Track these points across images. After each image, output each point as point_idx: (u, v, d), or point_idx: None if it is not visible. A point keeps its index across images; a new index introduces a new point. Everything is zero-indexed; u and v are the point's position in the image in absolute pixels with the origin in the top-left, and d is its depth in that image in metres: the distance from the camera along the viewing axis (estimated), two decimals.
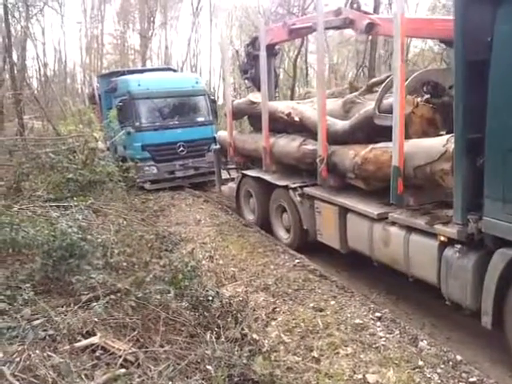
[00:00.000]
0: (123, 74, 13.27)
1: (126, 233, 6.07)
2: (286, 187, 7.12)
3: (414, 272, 4.89)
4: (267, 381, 3.46)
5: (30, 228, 4.86)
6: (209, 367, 3.36)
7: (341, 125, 6.28)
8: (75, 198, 6.70)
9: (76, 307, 3.73)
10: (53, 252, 4.29)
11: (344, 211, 5.95)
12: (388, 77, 5.74)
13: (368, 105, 5.93)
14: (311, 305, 5.02)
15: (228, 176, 9.94)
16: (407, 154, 4.91)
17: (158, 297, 3.95)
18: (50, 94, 23.20)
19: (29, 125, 14.77)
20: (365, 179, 5.81)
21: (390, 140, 5.06)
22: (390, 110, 5.10)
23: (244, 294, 5.31)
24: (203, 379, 3.26)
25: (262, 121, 7.70)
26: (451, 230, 4.31)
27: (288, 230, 7.38)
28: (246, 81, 9.58)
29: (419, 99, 5.28)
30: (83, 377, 2.99)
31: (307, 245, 6.88)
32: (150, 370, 3.19)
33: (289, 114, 7.25)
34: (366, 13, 6.87)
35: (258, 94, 8.28)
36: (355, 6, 6.76)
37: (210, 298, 4.38)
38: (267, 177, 7.74)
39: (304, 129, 7.10)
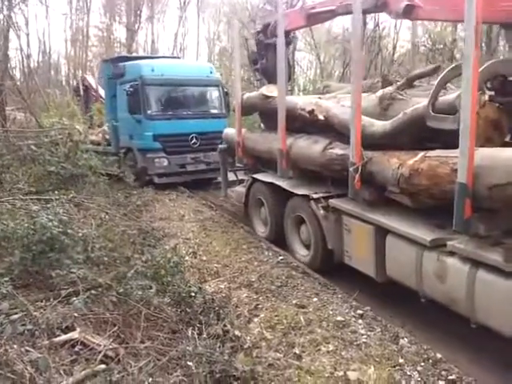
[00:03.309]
0: (128, 59, 12.49)
1: (107, 227, 6.02)
2: (306, 197, 6.07)
3: (481, 318, 3.87)
4: (248, 377, 3.45)
5: (10, 221, 4.77)
6: (190, 363, 3.34)
7: (380, 125, 5.19)
8: (56, 192, 6.61)
9: (55, 302, 3.67)
10: (32, 245, 4.21)
11: (382, 232, 4.88)
12: (436, 68, 5.03)
13: (413, 102, 4.98)
14: (294, 301, 5.03)
15: (235, 178, 9.03)
16: (478, 167, 3.82)
17: (140, 292, 3.90)
18: (33, 85, 22.81)
19: (11, 116, 14.50)
20: (413, 195, 4.65)
21: (445, 147, 4.22)
22: (446, 110, 4.26)
23: (227, 290, 5.31)
24: (184, 375, 3.24)
25: (278, 118, 6.65)
26: None
27: (307, 247, 6.29)
28: (256, 72, 8.83)
29: (485, 97, 4.25)
30: (62, 372, 2.96)
31: (331, 266, 5.90)
32: (131, 366, 3.16)
33: (311, 112, 6.19)
34: None
35: (272, 87, 7.31)
36: None
37: (193, 294, 4.37)
38: (283, 183, 6.68)
39: (329, 129, 6.07)
